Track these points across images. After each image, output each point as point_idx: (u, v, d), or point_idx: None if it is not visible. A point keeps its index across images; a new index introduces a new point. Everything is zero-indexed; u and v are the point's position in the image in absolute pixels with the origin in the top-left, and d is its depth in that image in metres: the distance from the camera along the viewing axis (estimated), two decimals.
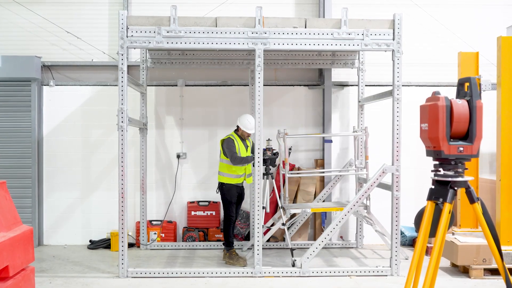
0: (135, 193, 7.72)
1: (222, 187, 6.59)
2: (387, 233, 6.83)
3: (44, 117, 7.79)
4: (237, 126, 6.63)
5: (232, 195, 6.57)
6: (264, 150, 6.51)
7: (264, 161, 6.46)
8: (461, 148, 3.75)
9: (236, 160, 6.39)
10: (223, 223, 6.68)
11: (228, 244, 6.61)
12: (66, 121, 7.81)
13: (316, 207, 6.79)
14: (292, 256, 6.33)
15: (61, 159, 7.80)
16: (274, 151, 6.67)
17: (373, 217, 6.95)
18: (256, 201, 5.98)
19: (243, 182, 6.68)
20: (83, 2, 7.84)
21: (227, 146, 6.45)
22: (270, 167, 6.64)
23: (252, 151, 6.68)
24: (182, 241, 7.64)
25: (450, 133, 3.76)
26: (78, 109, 7.83)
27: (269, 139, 6.70)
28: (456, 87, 4.04)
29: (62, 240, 7.79)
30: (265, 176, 6.55)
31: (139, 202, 7.56)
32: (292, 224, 7.65)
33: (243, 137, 6.62)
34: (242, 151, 6.55)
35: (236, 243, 7.51)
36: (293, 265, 6.25)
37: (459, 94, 3.95)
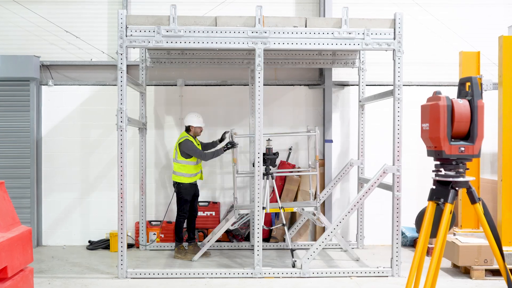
0: (134, 193, 7.72)
1: (179, 186, 6.80)
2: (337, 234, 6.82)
3: (42, 117, 7.79)
4: (187, 128, 6.87)
5: (188, 194, 6.83)
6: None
7: (264, 161, 6.46)
8: (462, 148, 3.75)
9: (207, 156, 6.71)
10: (176, 220, 6.94)
11: (179, 240, 6.90)
12: (65, 121, 7.82)
13: (272, 208, 6.78)
14: (293, 256, 6.34)
15: (60, 159, 7.80)
16: (274, 151, 6.67)
17: (323, 218, 6.96)
18: (256, 201, 5.98)
19: (197, 180, 6.97)
20: (82, 1, 7.84)
21: (190, 148, 6.67)
22: (270, 167, 6.64)
23: (203, 149, 7.01)
24: None
25: (451, 133, 3.76)
26: (77, 109, 7.84)
27: (269, 139, 6.71)
28: (457, 87, 4.04)
29: (61, 240, 7.79)
30: (265, 176, 6.55)
31: (139, 202, 7.57)
32: (292, 224, 7.66)
33: (196, 135, 6.89)
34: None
35: (236, 244, 7.53)
36: (293, 266, 6.25)
37: (460, 94, 3.95)
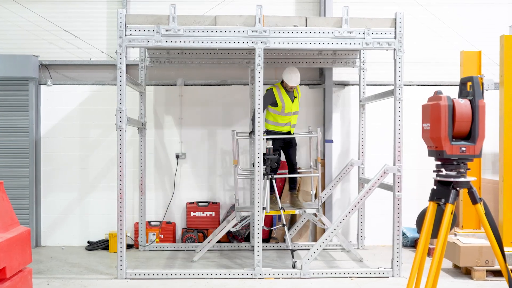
0: (133, 193, 7.72)
1: (266, 134, 6.73)
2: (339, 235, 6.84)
3: (41, 117, 7.79)
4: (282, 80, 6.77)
5: (274, 142, 6.65)
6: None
7: (264, 161, 6.45)
8: (464, 148, 3.75)
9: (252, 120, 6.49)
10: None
11: (271, 190, 6.70)
12: (64, 120, 7.82)
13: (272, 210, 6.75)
14: (293, 257, 6.34)
15: (59, 159, 7.80)
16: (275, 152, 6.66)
17: (325, 219, 6.96)
18: (256, 202, 5.98)
19: (289, 131, 6.89)
20: (81, 0, 7.84)
21: (264, 97, 6.45)
22: (271, 167, 6.62)
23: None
24: (181, 242, 7.64)
25: (452, 133, 3.76)
26: (76, 109, 7.84)
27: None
28: (458, 87, 4.04)
29: (60, 241, 7.79)
30: (265, 176, 6.55)
31: (138, 202, 7.56)
32: (293, 225, 7.66)
33: (287, 88, 6.76)
34: (287, 102, 6.71)
35: (236, 245, 7.53)
36: (294, 267, 6.25)
37: (462, 94, 3.95)
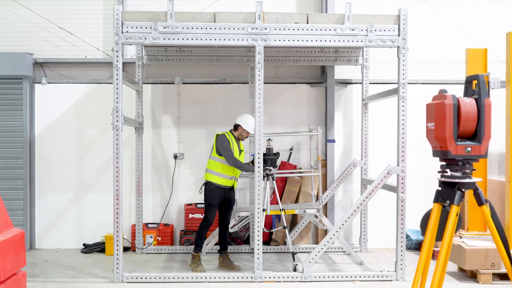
0: (130, 195, 7.71)
1: (206, 186, 6.39)
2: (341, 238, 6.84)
3: (36, 116, 7.79)
4: (235, 126, 6.46)
5: (213, 197, 6.34)
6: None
7: (265, 161, 6.44)
8: (469, 148, 3.75)
9: (234, 161, 6.21)
10: (199, 225, 6.46)
11: (196, 247, 6.44)
12: (59, 120, 7.81)
13: (273, 209, 6.75)
14: (294, 260, 6.33)
15: (53, 160, 7.80)
16: (275, 151, 6.66)
17: (325, 220, 6.96)
18: (256, 203, 5.98)
19: (232, 185, 6.50)
20: None
21: (223, 144, 6.23)
22: (271, 167, 6.62)
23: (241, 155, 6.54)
24: (180, 244, 7.64)
25: (458, 132, 3.76)
26: (71, 108, 7.83)
27: (269, 139, 6.69)
28: (463, 85, 4.04)
29: (55, 243, 7.79)
30: (265, 178, 6.55)
31: (135, 204, 7.56)
32: (294, 227, 7.66)
33: (241, 138, 6.48)
34: (236, 154, 6.38)
35: (235, 247, 7.53)
36: (294, 270, 6.25)
37: (467, 92, 3.94)
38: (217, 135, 6.40)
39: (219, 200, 6.41)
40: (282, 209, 6.54)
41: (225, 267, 6.48)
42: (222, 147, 6.24)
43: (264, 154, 6.39)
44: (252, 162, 6.36)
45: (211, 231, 7.51)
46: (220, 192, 6.38)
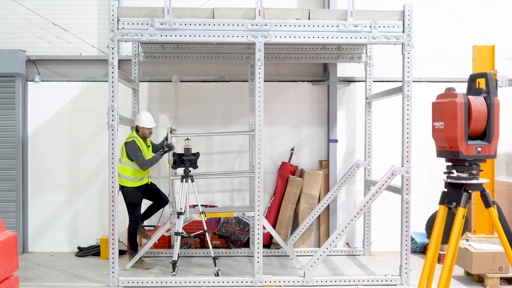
0: None
1: (123, 190, 6.63)
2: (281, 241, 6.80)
3: (29, 115, 7.79)
4: (136, 128, 6.74)
5: (134, 197, 6.66)
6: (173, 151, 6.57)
7: (183, 162, 6.43)
8: (479, 149, 3.74)
9: (146, 164, 6.53)
10: (128, 227, 6.81)
11: (133, 248, 6.77)
12: (52, 119, 7.81)
13: (210, 212, 6.76)
14: (215, 265, 6.28)
15: (47, 160, 7.79)
16: (194, 152, 6.56)
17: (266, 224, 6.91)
18: (256, 205, 5.98)
19: (146, 183, 6.82)
20: None
21: (132, 151, 6.52)
22: (190, 168, 6.53)
23: (153, 151, 6.88)
24: None
25: (468, 132, 3.74)
26: (65, 107, 7.83)
27: (187, 139, 6.59)
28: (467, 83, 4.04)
29: (48, 247, 7.79)
30: (185, 179, 6.46)
31: None
32: (295, 229, 7.65)
33: (145, 136, 6.73)
34: (145, 152, 6.64)
35: (234, 250, 7.53)
36: (217, 275, 6.19)
37: (470, 91, 3.94)
38: (126, 143, 6.64)
39: (140, 198, 6.75)
40: (202, 212, 6.45)
41: (141, 235, 6.82)
42: (134, 155, 6.54)
43: (181, 155, 6.42)
44: (153, 151, 6.87)
45: (210, 233, 7.51)
46: (138, 191, 6.70)
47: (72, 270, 6.77)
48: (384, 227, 7.75)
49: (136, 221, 6.73)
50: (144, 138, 6.76)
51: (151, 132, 6.79)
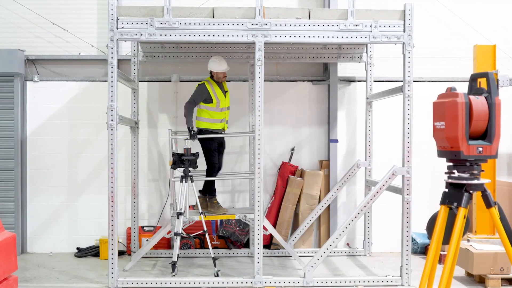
0: (126, 197, 7.71)
1: (200, 133, 6.65)
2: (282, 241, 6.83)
3: (28, 115, 7.78)
4: (210, 73, 6.76)
5: (211, 142, 6.69)
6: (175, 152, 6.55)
7: (183, 162, 6.42)
8: (481, 149, 3.74)
9: (186, 109, 6.58)
10: (206, 172, 6.79)
11: (211, 193, 6.82)
12: (51, 119, 7.81)
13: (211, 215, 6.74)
14: (215, 266, 6.27)
15: (46, 160, 7.79)
16: (194, 152, 6.53)
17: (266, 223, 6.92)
18: (256, 206, 5.98)
19: (223, 128, 6.81)
20: None
21: (194, 93, 6.64)
22: (190, 168, 6.51)
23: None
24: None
25: (469, 132, 3.75)
26: (64, 107, 7.83)
27: (187, 139, 6.58)
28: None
29: (47, 247, 7.79)
30: (184, 179, 6.44)
31: (130, 206, 7.55)
32: (295, 230, 7.66)
33: (219, 80, 6.74)
34: (220, 97, 6.67)
35: (234, 251, 7.53)
36: (216, 276, 6.19)
37: (472, 90, 3.94)
38: (198, 84, 6.74)
39: (215, 144, 6.77)
40: (203, 213, 6.46)
41: (206, 209, 6.78)
42: (193, 94, 6.65)
43: (181, 155, 6.41)
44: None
45: (210, 233, 7.51)
46: (213, 136, 6.72)
47: (71, 270, 6.77)
48: (384, 228, 7.75)
49: (214, 166, 6.73)
50: (220, 83, 6.76)
51: (225, 76, 6.80)
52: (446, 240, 3.84)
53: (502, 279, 5.96)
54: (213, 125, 6.70)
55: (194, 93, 6.64)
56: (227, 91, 6.85)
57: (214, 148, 6.75)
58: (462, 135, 3.72)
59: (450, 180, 3.90)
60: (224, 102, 6.72)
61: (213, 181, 6.84)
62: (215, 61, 6.72)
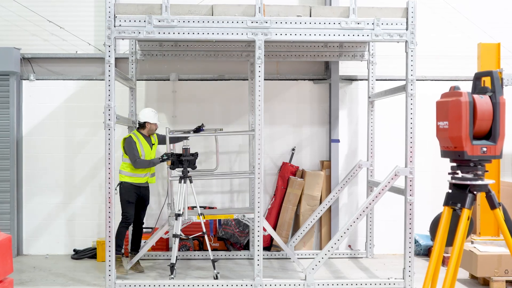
0: None
1: (120, 186, 6.64)
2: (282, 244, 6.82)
3: (23, 115, 7.78)
4: (141, 124, 6.71)
5: (128, 194, 6.62)
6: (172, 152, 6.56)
7: (181, 162, 6.43)
8: (485, 149, 3.74)
9: (142, 164, 6.52)
10: (119, 224, 6.64)
11: (117, 247, 6.42)
12: (48, 118, 7.81)
13: (209, 214, 6.75)
14: (214, 268, 6.28)
15: (42, 161, 7.79)
16: (193, 152, 6.54)
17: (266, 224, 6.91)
18: (256, 206, 5.97)
19: (146, 182, 6.78)
20: None
21: (128, 148, 6.55)
22: (189, 169, 6.52)
23: (160, 143, 6.92)
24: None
25: (473, 132, 3.74)
26: (61, 106, 7.83)
27: (186, 138, 6.61)
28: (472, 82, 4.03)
29: (44, 249, 7.78)
30: (183, 180, 6.45)
31: None
32: (296, 231, 7.65)
33: (151, 132, 6.76)
34: (146, 150, 6.66)
35: (233, 253, 7.52)
36: (216, 278, 6.20)
37: (476, 89, 3.94)
38: (124, 138, 6.65)
39: (134, 197, 6.67)
40: (201, 214, 6.46)
41: (134, 269, 6.73)
42: (127, 149, 6.57)
43: (180, 155, 6.41)
44: (194, 130, 6.91)
45: (209, 235, 7.51)
46: (132, 188, 6.65)
47: (68, 273, 6.77)
48: (387, 229, 7.75)
49: (125, 220, 6.63)
50: (148, 136, 6.76)
51: (156, 128, 6.82)
52: (450, 242, 3.83)
53: (507, 281, 5.96)
54: (135, 179, 6.66)
55: (128, 150, 6.53)
56: (154, 144, 6.84)
57: (132, 201, 6.65)
58: (466, 135, 3.71)
59: (453, 181, 3.89)
60: (149, 155, 6.72)
61: (119, 234, 6.56)
62: (151, 112, 6.74)
